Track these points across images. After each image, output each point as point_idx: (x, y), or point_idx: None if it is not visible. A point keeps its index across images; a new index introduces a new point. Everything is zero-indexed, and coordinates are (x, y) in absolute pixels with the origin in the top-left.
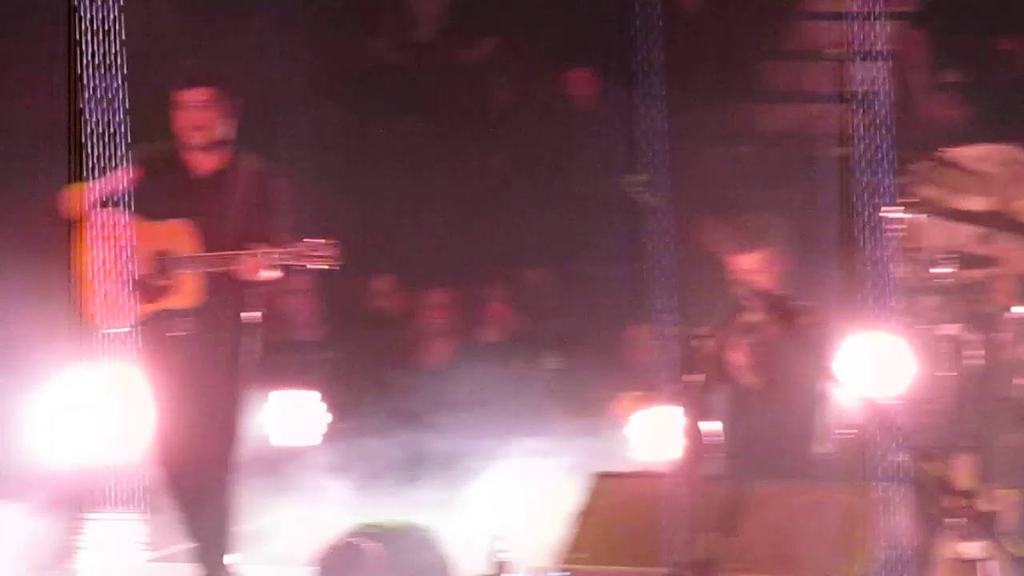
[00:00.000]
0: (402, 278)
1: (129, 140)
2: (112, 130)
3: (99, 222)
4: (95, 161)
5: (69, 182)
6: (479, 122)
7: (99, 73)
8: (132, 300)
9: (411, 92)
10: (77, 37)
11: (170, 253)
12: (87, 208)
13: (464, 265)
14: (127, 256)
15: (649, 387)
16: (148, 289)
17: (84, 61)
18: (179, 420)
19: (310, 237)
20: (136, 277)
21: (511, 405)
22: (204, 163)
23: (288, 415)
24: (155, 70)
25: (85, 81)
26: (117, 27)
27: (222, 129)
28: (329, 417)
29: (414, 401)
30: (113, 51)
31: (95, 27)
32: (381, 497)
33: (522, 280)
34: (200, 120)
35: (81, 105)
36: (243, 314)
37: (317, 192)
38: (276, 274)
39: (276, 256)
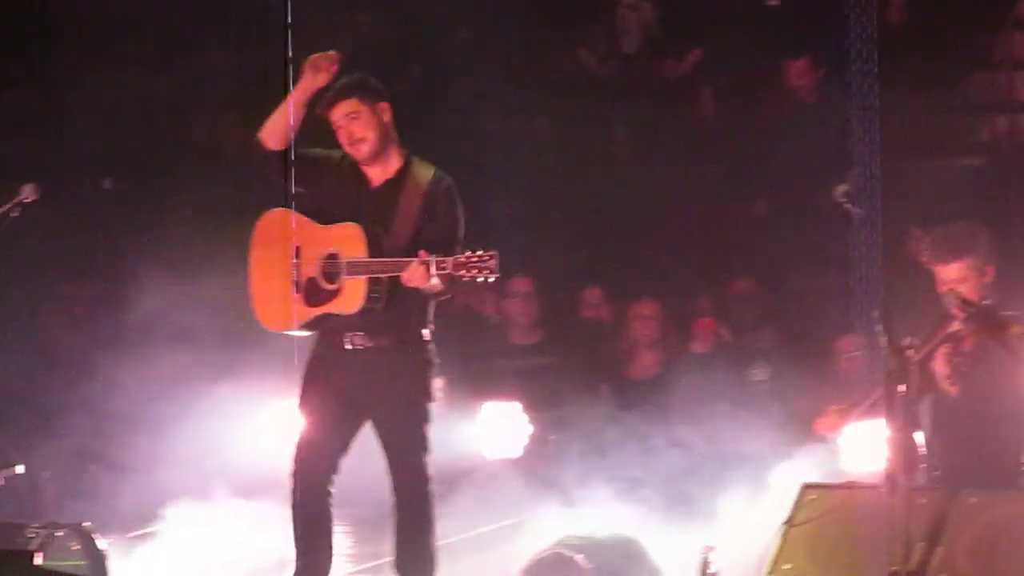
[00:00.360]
0: (612, 289)
1: None
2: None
3: (270, 220)
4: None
5: (284, 203)
6: (687, 134)
7: None
8: (298, 301)
9: (619, 104)
10: (291, 54)
11: (339, 257)
12: (288, 137)
13: (673, 276)
14: (297, 256)
15: (857, 398)
16: (315, 292)
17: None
18: (345, 432)
19: (496, 246)
20: (304, 279)
21: (719, 416)
22: (376, 173)
23: (497, 426)
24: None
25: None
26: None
27: (377, 135)
28: (532, 429)
29: (623, 412)
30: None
31: (309, 43)
32: (590, 508)
33: (730, 291)
34: (353, 133)
35: (291, 122)
36: (418, 325)
37: (526, 202)
38: (437, 283)
39: (437, 265)
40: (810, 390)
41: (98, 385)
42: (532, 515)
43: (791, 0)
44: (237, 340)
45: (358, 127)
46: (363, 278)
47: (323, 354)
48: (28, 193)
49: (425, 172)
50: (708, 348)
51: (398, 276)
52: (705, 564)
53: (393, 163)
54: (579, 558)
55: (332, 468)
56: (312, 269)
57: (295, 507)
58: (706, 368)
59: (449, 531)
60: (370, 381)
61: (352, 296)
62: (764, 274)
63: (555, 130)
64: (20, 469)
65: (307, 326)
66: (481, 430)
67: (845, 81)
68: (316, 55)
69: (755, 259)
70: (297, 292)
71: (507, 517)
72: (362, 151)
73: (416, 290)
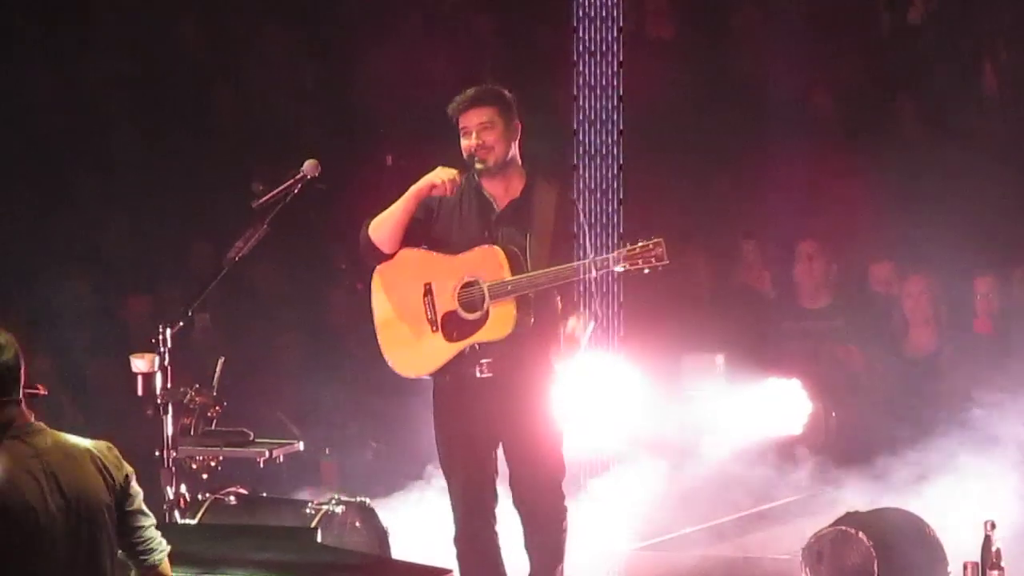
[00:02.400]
0: (902, 265)
1: (622, 196)
2: (604, 186)
3: (388, 265)
4: (586, 216)
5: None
6: (974, 109)
7: (594, 129)
8: (441, 340)
9: (906, 73)
10: (575, 93)
11: (479, 283)
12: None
13: (955, 255)
14: (427, 294)
15: None
16: (456, 325)
17: (580, 116)
18: (490, 459)
19: None
20: (440, 315)
21: (994, 397)
22: (499, 193)
23: (778, 403)
24: (652, 127)
25: (580, 136)
26: (615, 83)
27: (505, 149)
28: (811, 406)
29: (899, 388)
30: (610, 107)
31: (592, 83)
32: (871, 484)
33: (1016, 274)
34: (483, 141)
35: (575, 161)
36: (545, 343)
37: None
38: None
39: (599, 264)
40: None
41: (379, 361)
42: (813, 493)
43: None
44: None
45: (489, 136)
46: (511, 300)
47: (450, 385)
48: (310, 169)
49: (550, 188)
50: (989, 329)
51: (542, 292)
52: (988, 541)
53: (516, 182)
54: (861, 535)
55: (493, 498)
56: (449, 302)
57: (460, 545)
58: (985, 348)
59: (732, 508)
60: (501, 405)
61: (501, 321)
62: None
63: (837, 104)
64: (300, 446)
65: (451, 362)
66: (762, 407)
67: None
68: (444, 171)
69: None
70: (435, 330)
71: (789, 495)
72: (487, 159)
73: (549, 309)
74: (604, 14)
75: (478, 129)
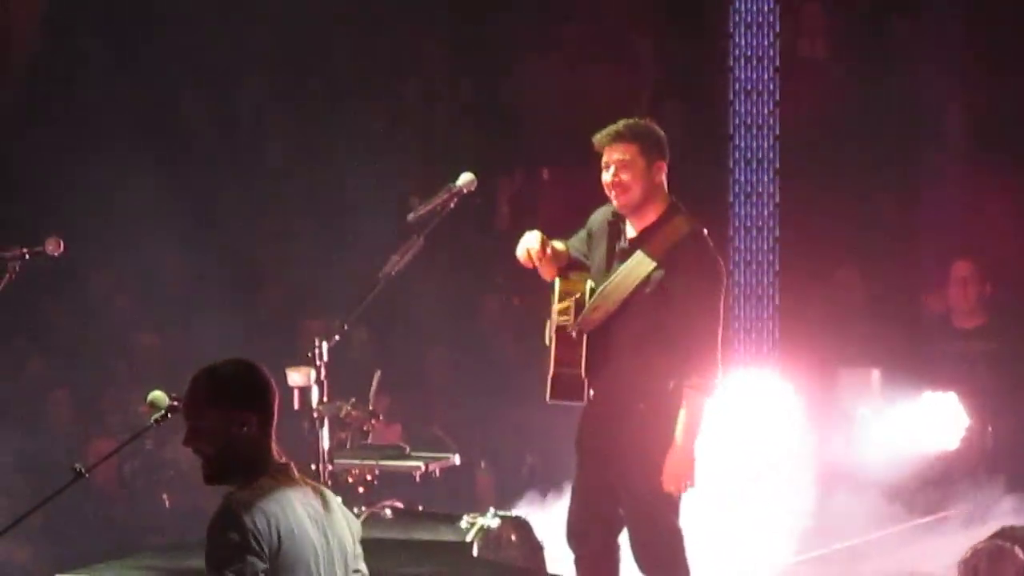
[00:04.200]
0: None
1: (778, 201)
2: (760, 190)
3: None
4: (741, 220)
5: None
6: None
7: (750, 134)
8: None
9: None
10: (731, 97)
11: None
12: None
13: None
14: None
15: None
16: None
17: (736, 121)
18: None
19: None
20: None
21: None
22: (636, 224)
23: (935, 417)
24: (809, 132)
25: (736, 141)
26: (772, 87)
27: (642, 189)
28: (967, 420)
29: None
30: (766, 112)
31: (748, 88)
32: None
33: None
34: (620, 180)
35: (731, 166)
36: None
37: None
38: None
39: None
40: None
41: (532, 373)
42: (969, 507)
43: None
44: None
45: (627, 175)
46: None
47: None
48: (466, 184)
49: (683, 224)
50: None
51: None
52: None
53: (651, 215)
54: (1017, 550)
55: (611, 507)
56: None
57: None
58: None
59: (888, 522)
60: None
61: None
62: None
63: (995, 119)
64: (456, 459)
65: None
66: (919, 421)
67: None
68: (524, 241)
69: None
70: None
71: (945, 509)
72: (620, 199)
73: (623, 329)
74: (760, 20)
75: (617, 166)
